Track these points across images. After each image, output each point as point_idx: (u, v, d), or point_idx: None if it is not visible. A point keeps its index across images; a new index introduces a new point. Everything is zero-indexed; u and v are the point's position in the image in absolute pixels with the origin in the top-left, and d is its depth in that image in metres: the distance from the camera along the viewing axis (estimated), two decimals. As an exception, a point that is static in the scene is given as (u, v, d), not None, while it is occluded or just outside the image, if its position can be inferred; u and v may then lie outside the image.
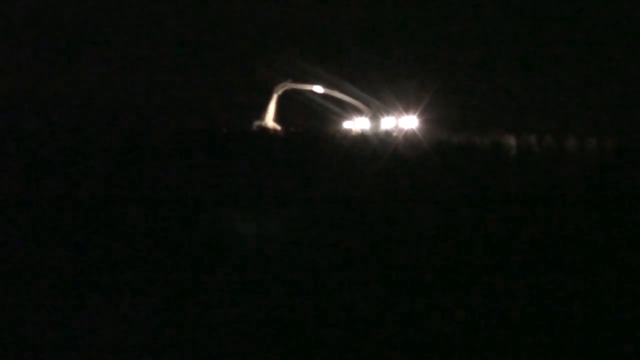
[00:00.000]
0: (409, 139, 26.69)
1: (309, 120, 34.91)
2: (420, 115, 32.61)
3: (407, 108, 32.86)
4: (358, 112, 35.58)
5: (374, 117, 34.85)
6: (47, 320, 5.97)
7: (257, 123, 35.07)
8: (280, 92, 36.30)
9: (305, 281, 6.97)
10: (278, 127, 34.92)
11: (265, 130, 33.60)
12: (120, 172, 15.45)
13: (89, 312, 6.22)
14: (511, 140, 23.45)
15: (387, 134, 29.68)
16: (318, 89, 36.01)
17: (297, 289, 6.75)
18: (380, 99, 34.16)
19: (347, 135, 28.04)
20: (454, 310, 6.02)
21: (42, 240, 9.17)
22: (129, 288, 6.84)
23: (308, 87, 36.23)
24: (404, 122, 33.02)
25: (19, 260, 7.98)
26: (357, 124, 35.30)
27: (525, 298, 6.43)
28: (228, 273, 7.28)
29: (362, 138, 25.79)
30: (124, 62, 33.97)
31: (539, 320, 5.75)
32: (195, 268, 7.61)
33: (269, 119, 35.97)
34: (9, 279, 7.17)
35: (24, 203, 11.69)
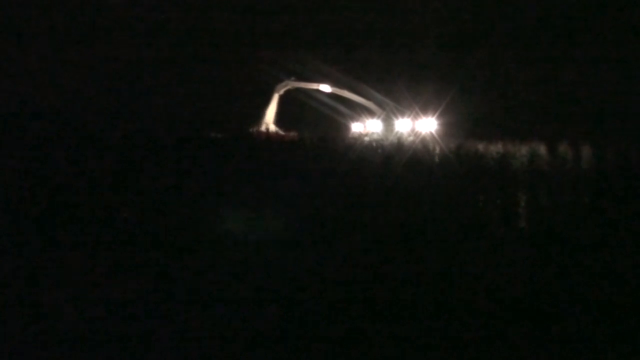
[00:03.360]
0: (428, 144, 23.53)
1: (313, 123, 32.35)
2: (439, 117, 30.80)
3: (425, 109, 30.99)
4: (369, 113, 33.45)
5: (387, 119, 32.82)
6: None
7: (256, 127, 32.67)
8: (282, 91, 34.32)
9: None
10: (279, 131, 32.93)
11: (264, 134, 31.29)
12: (113, 175, 15.62)
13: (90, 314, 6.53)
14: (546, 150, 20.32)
15: (402, 138, 27.44)
16: (325, 87, 33.96)
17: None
18: (394, 98, 32.26)
19: (356, 140, 25.49)
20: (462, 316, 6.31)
21: (35, 237, 9.72)
22: (126, 288, 7.27)
23: (313, 85, 34.10)
24: (422, 125, 31.13)
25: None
26: (368, 127, 33.08)
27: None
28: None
29: (374, 143, 23.20)
30: (108, 58, 31.32)
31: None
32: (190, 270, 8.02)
33: (270, 122, 33.85)
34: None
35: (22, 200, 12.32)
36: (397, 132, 30.67)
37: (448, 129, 29.41)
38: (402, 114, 31.99)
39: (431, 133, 29.42)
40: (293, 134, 32.72)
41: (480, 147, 21.20)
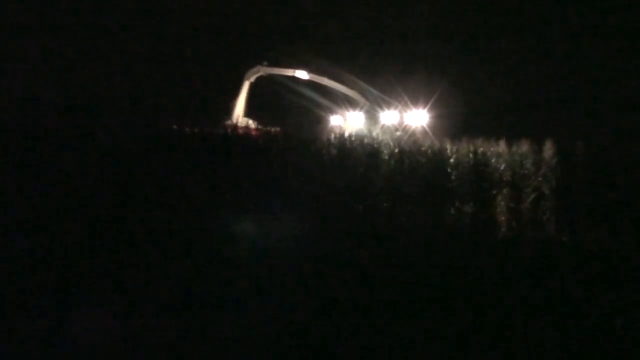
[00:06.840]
0: (418, 139, 23.48)
1: (288, 116, 31.32)
2: (431, 109, 29.19)
3: (415, 99, 29.27)
4: (351, 104, 31.96)
5: (372, 111, 31.18)
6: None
7: (222, 120, 30.61)
8: (252, 78, 32.81)
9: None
10: (250, 125, 31.26)
11: (233, 129, 28.98)
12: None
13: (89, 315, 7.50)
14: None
15: (389, 132, 26.19)
16: (301, 74, 32.57)
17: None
18: (380, 87, 30.86)
19: (336, 135, 24.25)
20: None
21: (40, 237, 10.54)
22: (129, 290, 8.36)
23: (289, 72, 32.84)
24: (411, 118, 29.32)
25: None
26: (349, 120, 31.52)
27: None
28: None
29: (356, 138, 22.52)
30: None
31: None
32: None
33: (239, 115, 31.94)
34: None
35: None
36: (382, 126, 28.93)
37: (441, 122, 27.91)
38: (389, 105, 30.36)
39: (422, 127, 27.75)
40: (270, 129, 30.44)
41: (483, 145, 19.10)
